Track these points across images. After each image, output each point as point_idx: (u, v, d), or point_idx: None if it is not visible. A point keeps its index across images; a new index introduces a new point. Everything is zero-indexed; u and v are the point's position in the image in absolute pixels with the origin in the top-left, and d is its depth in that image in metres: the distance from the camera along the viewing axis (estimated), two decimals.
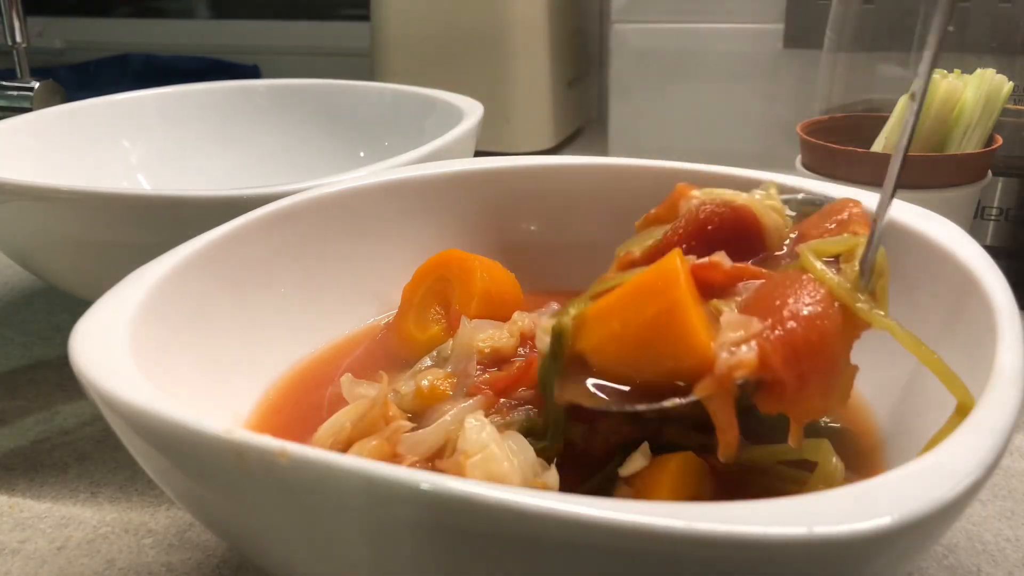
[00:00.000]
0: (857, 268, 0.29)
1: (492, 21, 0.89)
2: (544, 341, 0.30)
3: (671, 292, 0.27)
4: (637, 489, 0.28)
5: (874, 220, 0.29)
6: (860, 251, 0.30)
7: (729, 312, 0.28)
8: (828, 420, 0.34)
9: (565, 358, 0.29)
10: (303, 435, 0.32)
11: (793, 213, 0.35)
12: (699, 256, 0.31)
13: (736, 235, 0.33)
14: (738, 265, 0.31)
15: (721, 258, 0.31)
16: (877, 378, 0.35)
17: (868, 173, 0.50)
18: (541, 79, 0.93)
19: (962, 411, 0.27)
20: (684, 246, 0.33)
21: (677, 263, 0.28)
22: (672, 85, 0.88)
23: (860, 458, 0.32)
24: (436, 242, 0.44)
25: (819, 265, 0.29)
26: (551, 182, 0.45)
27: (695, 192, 0.35)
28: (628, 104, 0.91)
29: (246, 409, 0.35)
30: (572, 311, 0.30)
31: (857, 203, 0.33)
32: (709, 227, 0.33)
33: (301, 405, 0.36)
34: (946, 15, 0.27)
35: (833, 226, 0.32)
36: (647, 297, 0.28)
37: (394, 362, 0.38)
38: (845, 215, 0.32)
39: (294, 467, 0.20)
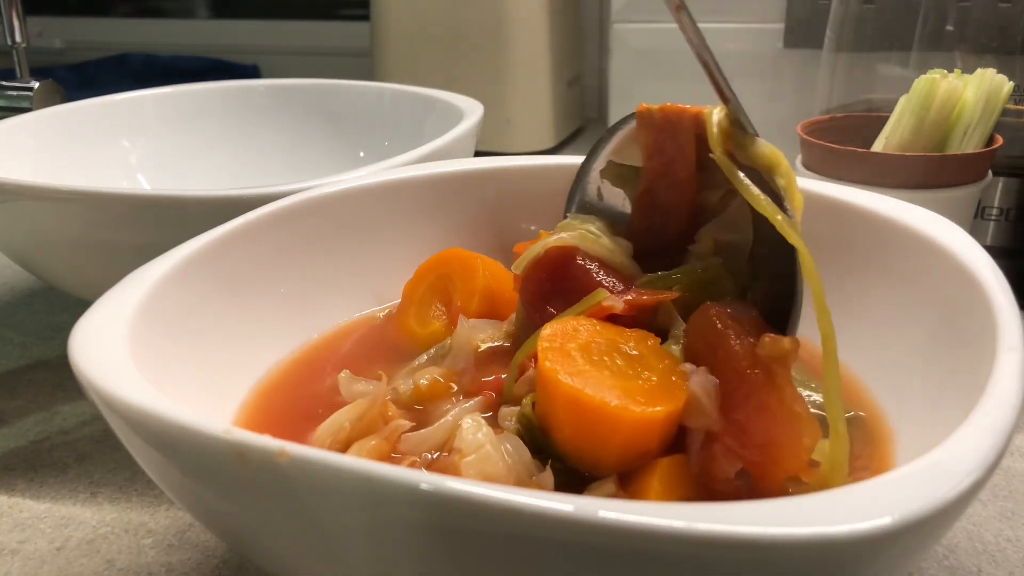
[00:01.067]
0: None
1: (492, 21, 0.89)
2: (518, 429, 0.30)
3: (558, 391, 0.28)
4: (629, 492, 0.28)
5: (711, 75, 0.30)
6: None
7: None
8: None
9: (542, 438, 0.30)
10: (300, 427, 0.32)
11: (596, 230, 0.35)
12: (567, 301, 0.32)
13: (571, 271, 0.33)
14: (629, 299, 0.31)
15: (612, 302, 0.31)
16: (873, 357, 0.35)
17: (868, 173, 0.50)
18: (541, 79, 0.93)
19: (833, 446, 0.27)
20: (545, 310, 0.33)
21: (546, 365, 0.28)
22: (672, 85, 0.88)
23: (871, 444, 0.32)
24: (436, 242, 0.44)
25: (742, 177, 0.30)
26: (551, 182, 0.45)
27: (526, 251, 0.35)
28: (628, 104, 0.90)
29: (246, 407, 0.35)
30: (526, 401, 0.30)
31: None
32: (549, 284, 0.34)
33: (298, 397, 0.36)
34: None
35: None
36: (550, 398, 0.28)
37: (392, 354, 0.38)
38: None
39: (294, 467, 0.20)
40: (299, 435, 0.32)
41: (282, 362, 0.38)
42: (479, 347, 0.36)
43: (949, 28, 0.60)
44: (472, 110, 0.58)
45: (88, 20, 1.52)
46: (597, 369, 0.28)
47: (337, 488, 0.20)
